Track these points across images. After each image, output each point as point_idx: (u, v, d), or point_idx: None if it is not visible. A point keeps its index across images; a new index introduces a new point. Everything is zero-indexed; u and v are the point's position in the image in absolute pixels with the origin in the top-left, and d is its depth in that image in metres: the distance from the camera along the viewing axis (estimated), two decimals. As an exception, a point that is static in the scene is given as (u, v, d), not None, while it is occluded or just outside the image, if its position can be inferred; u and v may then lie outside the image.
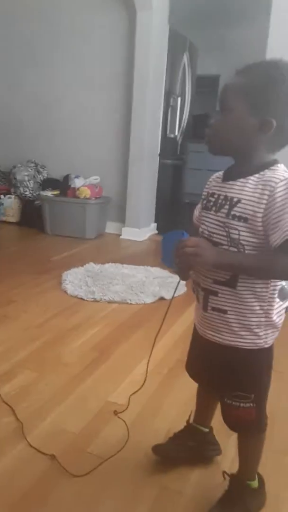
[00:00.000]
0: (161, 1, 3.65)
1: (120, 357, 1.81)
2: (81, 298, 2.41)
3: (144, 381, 1.31)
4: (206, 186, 1.01)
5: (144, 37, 3.63)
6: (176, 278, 0.93)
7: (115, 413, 1.42)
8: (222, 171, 0.98)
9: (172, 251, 0.87)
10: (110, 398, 1.52)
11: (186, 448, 1.21)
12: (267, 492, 1.11)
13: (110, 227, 4.15)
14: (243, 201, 0.86)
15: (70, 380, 1.62)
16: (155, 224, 4.28)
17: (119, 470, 1.21)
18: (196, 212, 1.05)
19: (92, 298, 2.42)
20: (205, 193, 1.00)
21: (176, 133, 4.38)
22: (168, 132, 4.21)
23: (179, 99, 4.28)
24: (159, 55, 3.82)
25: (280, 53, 2.96)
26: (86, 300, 2.40)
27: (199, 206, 1.03)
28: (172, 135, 4.32)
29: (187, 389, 1.39)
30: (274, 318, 0.92)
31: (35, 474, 1.18)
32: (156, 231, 4.26)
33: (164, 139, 4.15)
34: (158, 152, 4.11)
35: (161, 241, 0.94)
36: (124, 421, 1.37)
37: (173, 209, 4.62)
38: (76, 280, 2.65)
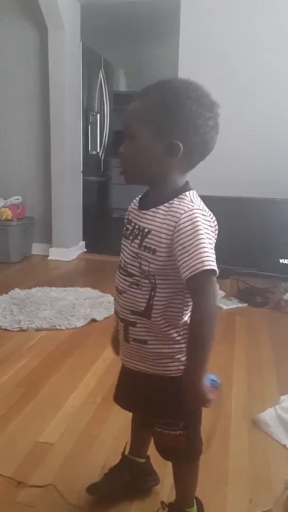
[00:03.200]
0: (72, 19, 3.64)
1: (50, 391, 1.70)
2: (6, 329, 2.26)
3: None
4: (128, 210, 0.97)
5: (57, 54, 3.58)
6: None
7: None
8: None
9: None
10: (40, 438, 1.41)
11: (123, 483, 1.15)
12: (207, 515, 1.09)
13: (36, 249, 3.99)
14: (152, 232, 0.84)
15: (-5, 423, 1.49)
16: (84, 242, 4.20)
17: (52, 518, 1.12)
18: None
19: (18, 327, 2.28)
20: (126, 218, 0.96)
21: (98, 149, 4.37)
22: (90, 149, 4.18)
23: (98, 116, 4.28)
24: (74, 72, 3.79)
25: (190, 70, 3.08)
26: (12, 331, 2.25)
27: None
28: (94, 152, 4.30)
29: (122, 417, 1.34)
30: None
31: None
32: (85, 249, 4.18)
33: (86, 156, 4.12)
34: (81, 169, 4.06)
35: None
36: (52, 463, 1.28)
37: (101, 225, 4.58)
38: (-1, 310, 2.49)
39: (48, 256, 3.90)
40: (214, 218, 0.85)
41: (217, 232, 0.85)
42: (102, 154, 4.45)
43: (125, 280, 0.90)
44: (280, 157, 3.44)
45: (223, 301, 2.78)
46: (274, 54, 3.34)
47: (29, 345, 2.10)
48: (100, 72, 4.28)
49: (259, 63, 3.38)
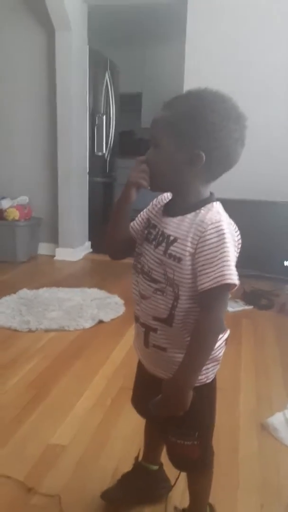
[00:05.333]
0: (79, 21, 3.65)
1: (61, 393, 1.72)
2: (15, 330, 2.28)
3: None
4: (149, 208, 0.98)
5: (64, 56, 3.59)
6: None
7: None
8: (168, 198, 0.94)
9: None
10: (52, 440, 1.43)
11: (135, 490, 1.16)
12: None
13: (43, 249, 4.01)
14: (178, 240, 0.84)
15: (7, 425, 1.50)
16: (90, 243, 4.22)
17: (66, 521, 1.13)
18: (136, 222, 0.99)
19: (27, 328, 2.30)
20: (146, 215, 0.97)
21: (104, 150, 4.38)
22: (96, 150, 4.20)
23: (104, 117, 4.29)
24: (81, 74, 3.80)
25: (197, 71, 3.07)
26: (21, 331, 2.27)
27: (140, 218, 0.99)
28: (100, 153, 4.31)
29: (133, 420, 1.36)
30: (214, 352, 0.91)
31: None
32: (91, 250, 4.20)
33: (92, 157, 4.13)
34: (87, 171, 4.08)
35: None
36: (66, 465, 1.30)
37: (107, 226, 4.58)
38: (8, 310, 2.51)
39: (54, 256, 3.91)
40: (238, 232, 0.86)
41: (239, 246, 0.86)
42: (107, 155, 4.46)
43: (149, 285, 0.90)
44: (285, 160, 3.45)
45: (229, 303, 2.79)
46: (284, 53, 3.33)
47: (38, 346, 2.12)
48: (106, 73, 4.29)
49: (268, 63, 3.37)
